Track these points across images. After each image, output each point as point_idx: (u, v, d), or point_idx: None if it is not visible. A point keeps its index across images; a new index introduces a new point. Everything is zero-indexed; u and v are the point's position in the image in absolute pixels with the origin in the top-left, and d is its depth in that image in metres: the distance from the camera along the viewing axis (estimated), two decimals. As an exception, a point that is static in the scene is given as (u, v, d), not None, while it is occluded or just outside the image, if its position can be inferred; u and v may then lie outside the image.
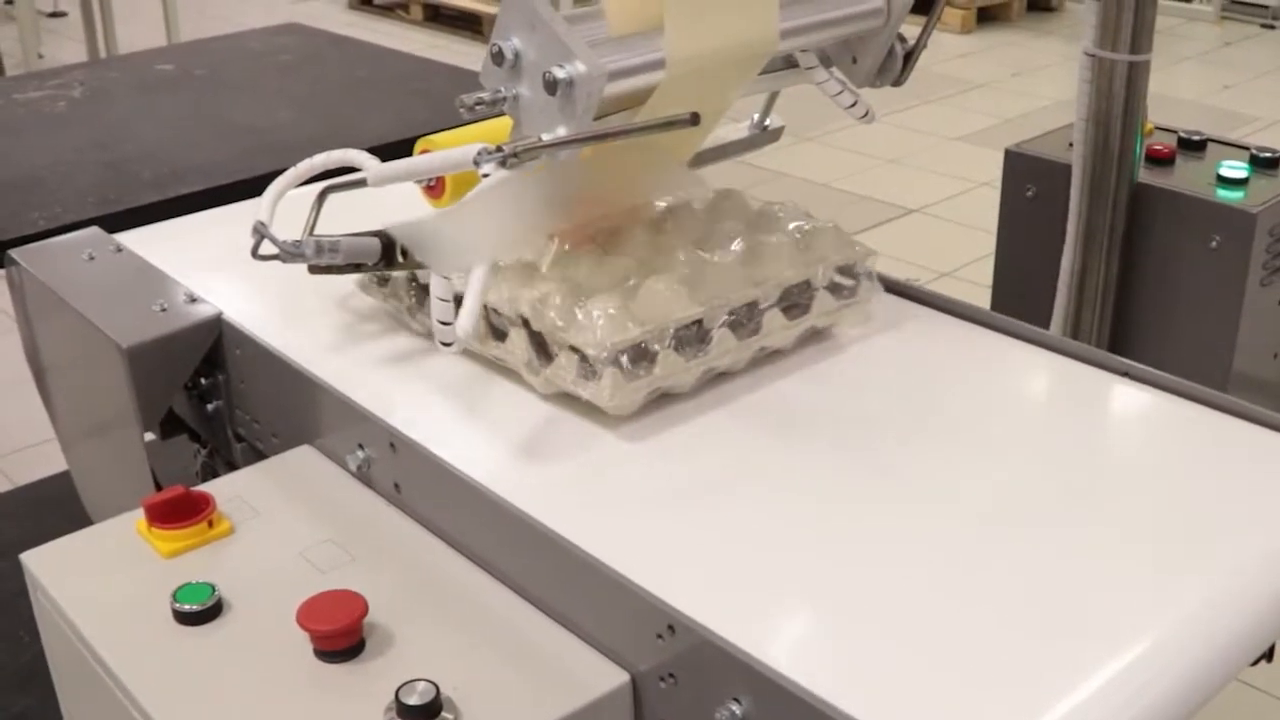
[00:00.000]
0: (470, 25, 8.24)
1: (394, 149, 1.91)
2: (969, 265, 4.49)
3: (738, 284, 1.49)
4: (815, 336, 1.61)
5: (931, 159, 5.85)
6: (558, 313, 1.42)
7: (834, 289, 1.58)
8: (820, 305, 1.56)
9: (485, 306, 1.47)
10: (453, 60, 2.98)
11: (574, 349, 1.40)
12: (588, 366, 1.39)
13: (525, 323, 1.45)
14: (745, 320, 1.50)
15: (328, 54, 2.90)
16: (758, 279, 1.51)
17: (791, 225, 1.63)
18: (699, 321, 1.45)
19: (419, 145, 1.62)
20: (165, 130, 2.49)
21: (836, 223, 1.63)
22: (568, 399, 1.46)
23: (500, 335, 1.49)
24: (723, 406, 1.47)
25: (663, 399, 1.47)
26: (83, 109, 2.59)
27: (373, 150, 1.70)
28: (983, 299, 2.72)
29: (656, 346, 1.41)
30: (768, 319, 1.51)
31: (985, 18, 8.23)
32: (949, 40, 7.79)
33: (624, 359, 1.39)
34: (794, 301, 1.55)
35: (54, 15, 8.09)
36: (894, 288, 1.73)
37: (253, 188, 1.72)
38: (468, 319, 1.35)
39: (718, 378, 1.51)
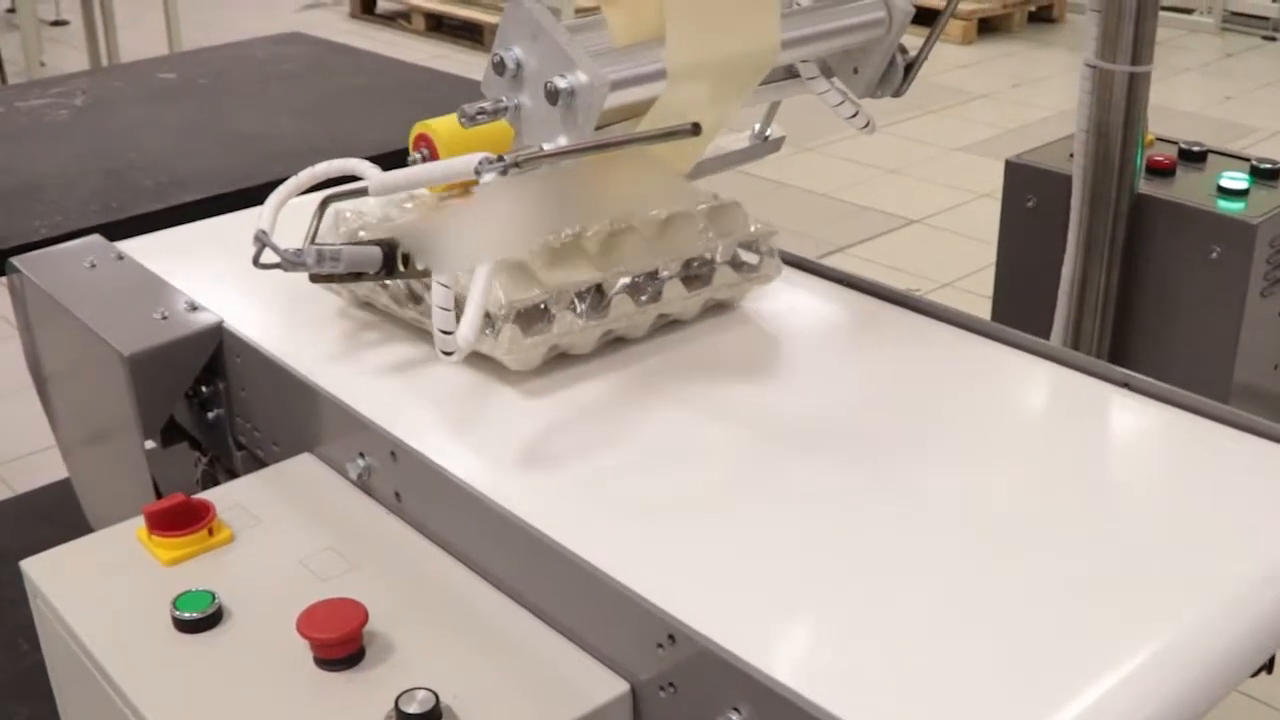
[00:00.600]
0: (472, 35, 8.25)
1: (396, 158, 1.90)
2: (970, 276, 4.49)
3: (642, 255, 1.58)
4: (802, 337, 1.61)
5: (932, 169, 5.85)
6: (467, 275, 1.45)
7: (736, 264, 1.67)
8: (721, 278, 1.64)
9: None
10: (454, 70, 2.98)
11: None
12: (489, 322, 1.46)
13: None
14: (645, 287, 1.58)
15: (330, 63, 2.91)
16: (660, 251, 1.59)
17: (700, 204, 1.68)
18: (599, 286, 1.54)
19: (415, 128, 1.62)
20: (167, 138, 2.49)
21: (739, 201, 1.70)
22: (568, 410, 1.46)
23: (417, 299, 1.57)
24: (722, 416, 1.47)
25: (653, 401, 1.48)
26: (85, 117, 2.60)
27: (374, 159, 1.70)
28: (983, 310, 2.72)
29: (554, 308, 1.49)
30: (668, 288, 1.59)
31: (986, 29, 8.25)
32: (950, 51, 7.81)
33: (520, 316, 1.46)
34: (694, 274, 1.63)
35: (56, 24, 8.11)
36: (891, 297, 1.73)
37: (254, 196, 1.73)
38: (469, 329, 1.35)
39: (708, 380, 1.52)
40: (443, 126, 1.59)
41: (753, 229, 1.68)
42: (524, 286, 1.48)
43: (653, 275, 1.59)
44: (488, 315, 1.45)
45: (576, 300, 1.53)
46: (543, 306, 1.50)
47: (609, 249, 1.57)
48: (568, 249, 1.55)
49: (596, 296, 1.54)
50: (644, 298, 1.58)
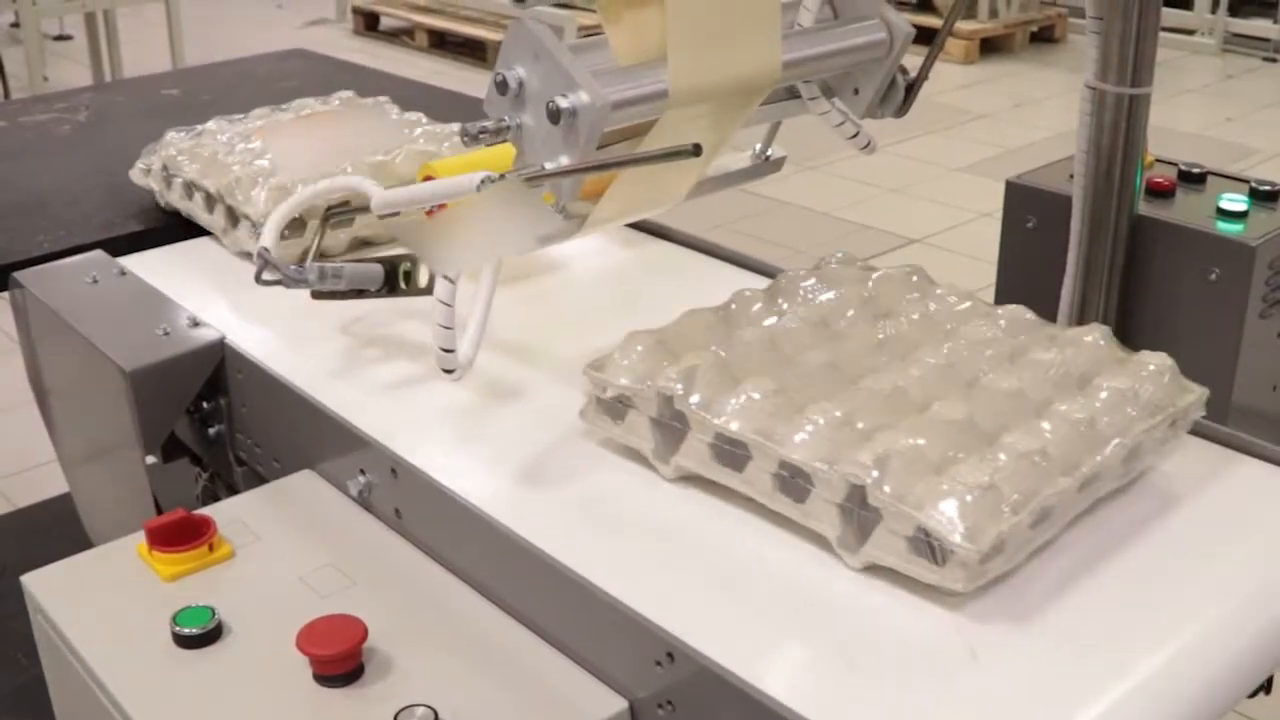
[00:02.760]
0: (474, 52, 8.27)
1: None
2: (970, 295, 4.49)
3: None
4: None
5: (933, 189, 5.86)
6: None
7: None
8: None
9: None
10: (457, 87, 2.99)
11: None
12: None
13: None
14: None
15: (332, 80, 2.91)
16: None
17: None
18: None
19: (421, 171, 1.63)
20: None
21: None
22: (566, 428, 1.47)
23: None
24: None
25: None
26: (88, 132, 2.60)
27: (376, 177, 1.71)
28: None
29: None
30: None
31: (988, 49, 8.26)
32: (952, 71, 7.82)
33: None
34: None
35: (59, 39, 8.12)
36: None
37: (257, 213, 1.73)
38: (469, 347, 1.36)
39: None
40: (446, 168, 1.60)
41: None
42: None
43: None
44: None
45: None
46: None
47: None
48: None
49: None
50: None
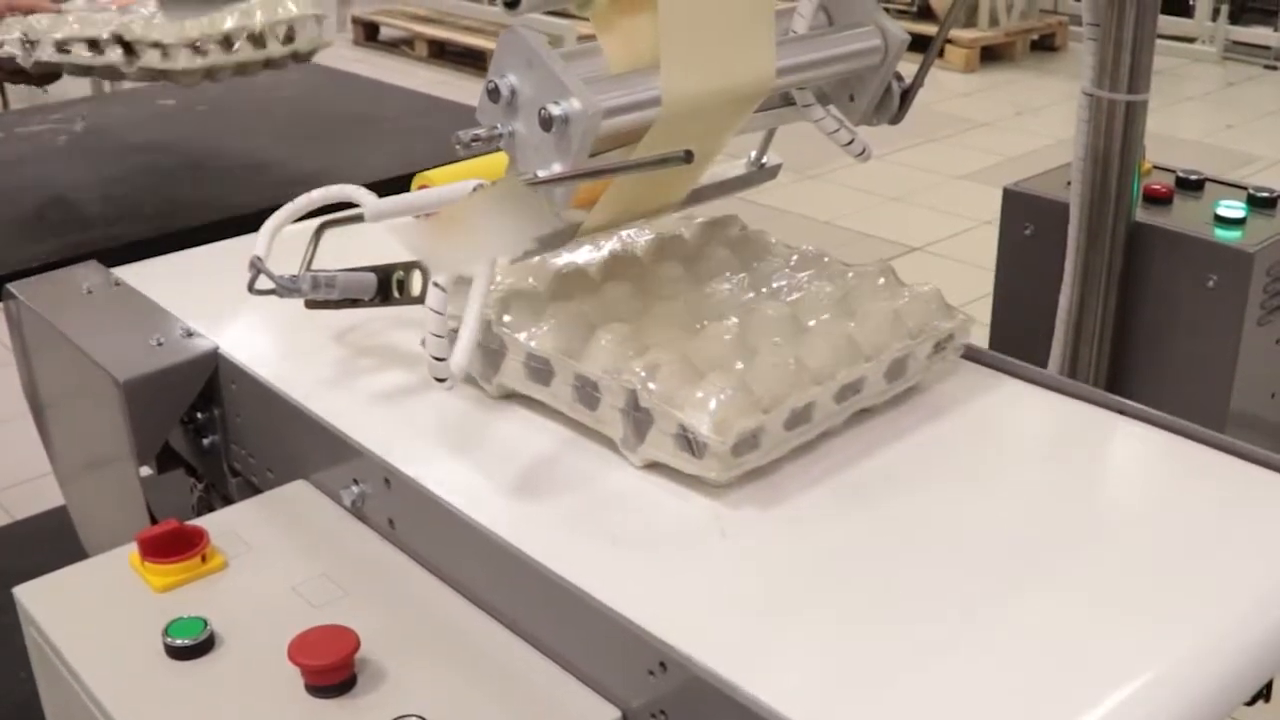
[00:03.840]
0: (475, 62, 8.28)
1: (394, 184, 1.91)
2: (971, 303, 4.47)
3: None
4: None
5: (934, 197, 5.86)
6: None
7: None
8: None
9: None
10: (457, 96, 2.99)
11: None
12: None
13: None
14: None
15: (330, 89, 2.91)
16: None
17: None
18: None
19: (416, 181, 1.63)
20: (165, 165, 2.49)
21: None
22: (559, 438, 1.46)
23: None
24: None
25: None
26: (84, 143, 2.60)
27: (373, 186, 1.71)
28: (983, 337, 2.72)
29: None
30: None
31: (989, 57, 8.27)
32: (952, 79, 7.82)
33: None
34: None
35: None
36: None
37: (251, 223, 1.73)
38: (462, 355, 1.35)
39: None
40: (443, 177, 1.59)
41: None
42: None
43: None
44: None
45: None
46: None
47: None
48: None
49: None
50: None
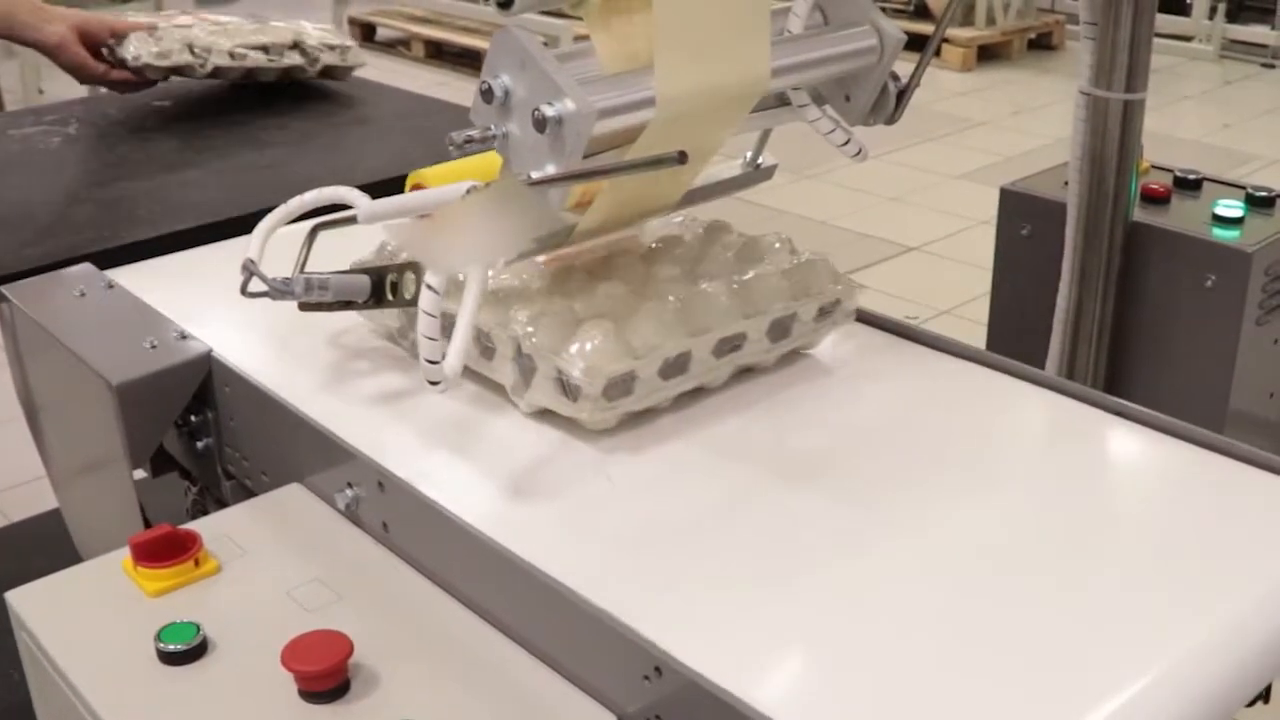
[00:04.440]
0: (472, 62, 8.28)
1: (389, 186, 1.90)
2: (969, 303, 4.49)
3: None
4: (802, 367, 1.61)
5: (931, 197, 5.86)
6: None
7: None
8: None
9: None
10: (454, 97, 2.98)
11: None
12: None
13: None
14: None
15: (326, 91, 2.91)
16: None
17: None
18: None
19: (410, 179, 1.62)
20: (159, 167, 2.48)
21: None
22: (559, 432, 1.46)
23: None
24: (716, 441, 1.47)
25: (644, 431, 1.48)
26: (78, 145, 2.60)
27: (368, 188, 1.70)
28: (981, 337, 2.72)
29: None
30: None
31: (986, 56, 8.27)
32: (950, 78, 7.82)
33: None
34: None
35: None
36: (886, 325, 1.73)
37: (245, 225, 1.72)
38: (455, 359, 1.35)
39: (708, 408, 1.52)
40: (437, 176, 1.59)
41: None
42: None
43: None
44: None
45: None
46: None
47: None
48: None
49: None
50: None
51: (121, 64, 2.66)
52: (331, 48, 2.92)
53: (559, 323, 1.47)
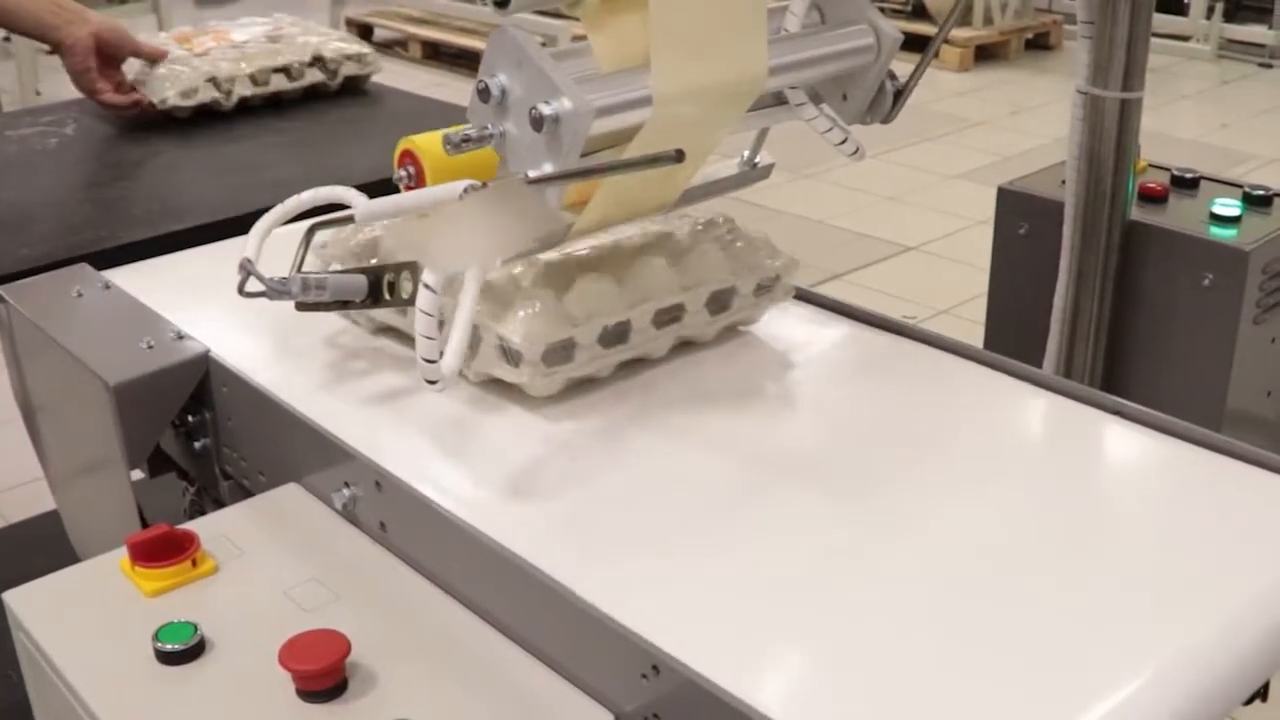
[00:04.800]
0: (469, 63, 8.28)
1: (386, 186, 1.90)
2: (967, 303, 4.49)
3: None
4: (785, 380, 1.62)
5: (929, 196, 5.86)
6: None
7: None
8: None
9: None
10: (451, 97, 2.98)
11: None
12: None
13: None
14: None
15: (327, 94, 2.90)
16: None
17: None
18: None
19: (400, 144, 1.62)
20: (156, 167, 2.49)
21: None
22: (559, 432, 1.46)
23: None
24: (710, 446, 1.47)
25: (639, 431, 1.48)
26: (75, 146, 2.59)
27: (364, 187, 1.70)
28: (979, 336, 2.72)
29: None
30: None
31: (983, 56, 8.27)
32: (947, 78, 7.82)
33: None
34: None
35: (52, 52, 8.11)
36: (885, 325, 1.73)
37: (242, 225, 1.72)
38: (453, 358, 1.35)
39: (694, 408, 1.52)
40: (428, 143, 1.58)
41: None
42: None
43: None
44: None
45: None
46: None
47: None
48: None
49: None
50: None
51: (134, 88, 2.69)
52: (350, 58, 2.94)
53: (503, 295, 1.51)
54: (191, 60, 2.75)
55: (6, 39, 6.99)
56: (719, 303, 1.64)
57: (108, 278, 1.88)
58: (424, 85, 7.43)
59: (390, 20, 9.14)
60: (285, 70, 2.82)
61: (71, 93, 2.73)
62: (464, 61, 8.42)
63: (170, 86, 2.66)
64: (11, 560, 2.85)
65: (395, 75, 3.25)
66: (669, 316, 1.59)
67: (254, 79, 2.77)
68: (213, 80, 2.71)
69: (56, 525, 2.06)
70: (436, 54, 8.74)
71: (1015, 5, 8.53)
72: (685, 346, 1.67)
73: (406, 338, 1.66)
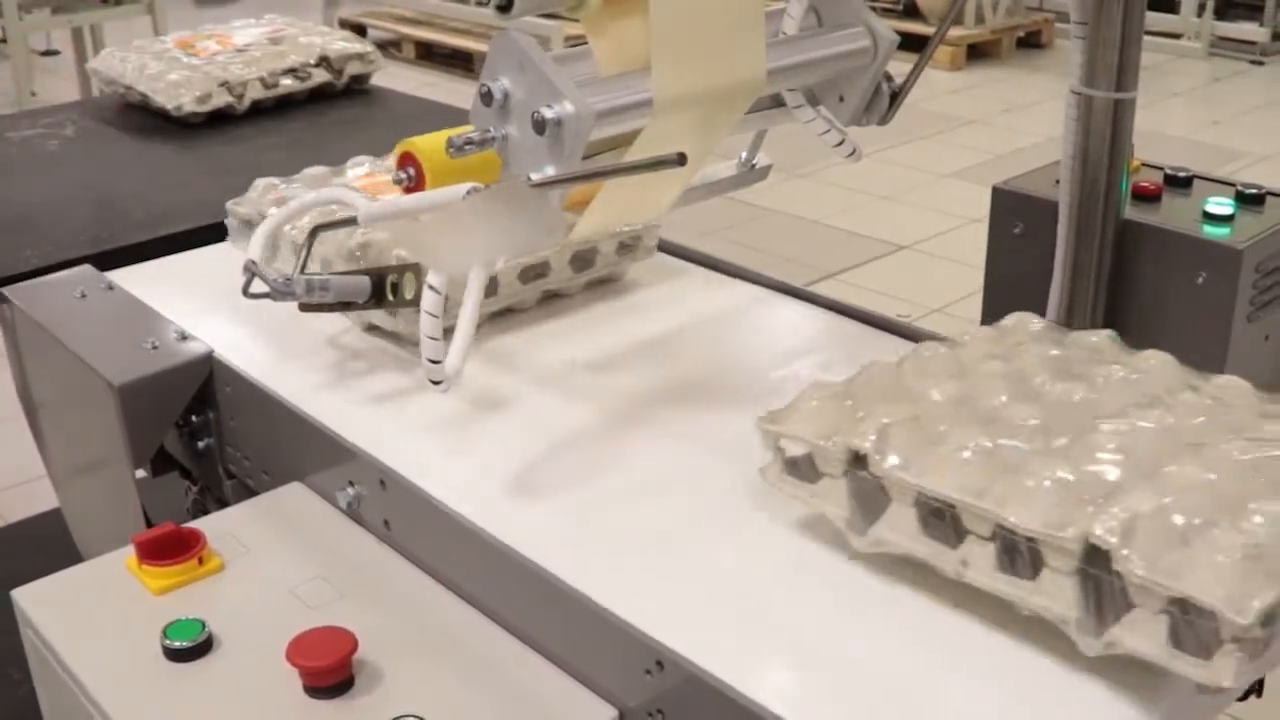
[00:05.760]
0: (462, 63, 8.28)
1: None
2: (960, 301, 4.50)
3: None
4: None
5: (922, 195, 5.86)
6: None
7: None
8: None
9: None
10: (445, 98, 2.99)
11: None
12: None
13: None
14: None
15: (320, 92, 2.91)
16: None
17: None
18: None
19: (399, 146, 1.62)
20: (157, 168, 2.49)
21: None
22: (559, 432, 1.47)
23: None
24: (710, 447, 1.48)
25: (640, 430, 1.50)
26: (75, 147, 2.60)
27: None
28: (973, 335, 2.72)
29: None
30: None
31: (975, 55, 8.28)
32: (940, 77, 7.83)
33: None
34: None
35: (47, 54, 8.11)
36: (883, 324, 1.74)
37: (245, 226, 1.73)
38: (457, 358, 1.36)
39: (695, 407, 1.53)
40: (427, 145, 1.59)
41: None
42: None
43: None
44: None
45: None
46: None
47: None
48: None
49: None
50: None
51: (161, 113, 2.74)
52: (354, 56, 2.99)
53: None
54: (201, 65, 2.77)
55: (2, 41, 6.99)
56: (582, 261, 1.83)
57: (111, 278, 1.89)
58: (417, 86, 7.43)
59: (383, 21, 9.14)
60: (293, 71, 2.85)
61: (67, 95, 2.74)
62: (457, 62, 8.42)
63: (185, 93, 2.69)
64: (11, 559, 2.86)
65: (389, 76, 3.25)
66: (535, 273, 1.77)
67: (264, 82, 2.79)
68: (225, 85, 2.74)
69: (57, 524, 2.06)
70: (430, 54, 8.73)
71: (1007, 4, 8.53)
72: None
73: (392, 336, 1.68)
